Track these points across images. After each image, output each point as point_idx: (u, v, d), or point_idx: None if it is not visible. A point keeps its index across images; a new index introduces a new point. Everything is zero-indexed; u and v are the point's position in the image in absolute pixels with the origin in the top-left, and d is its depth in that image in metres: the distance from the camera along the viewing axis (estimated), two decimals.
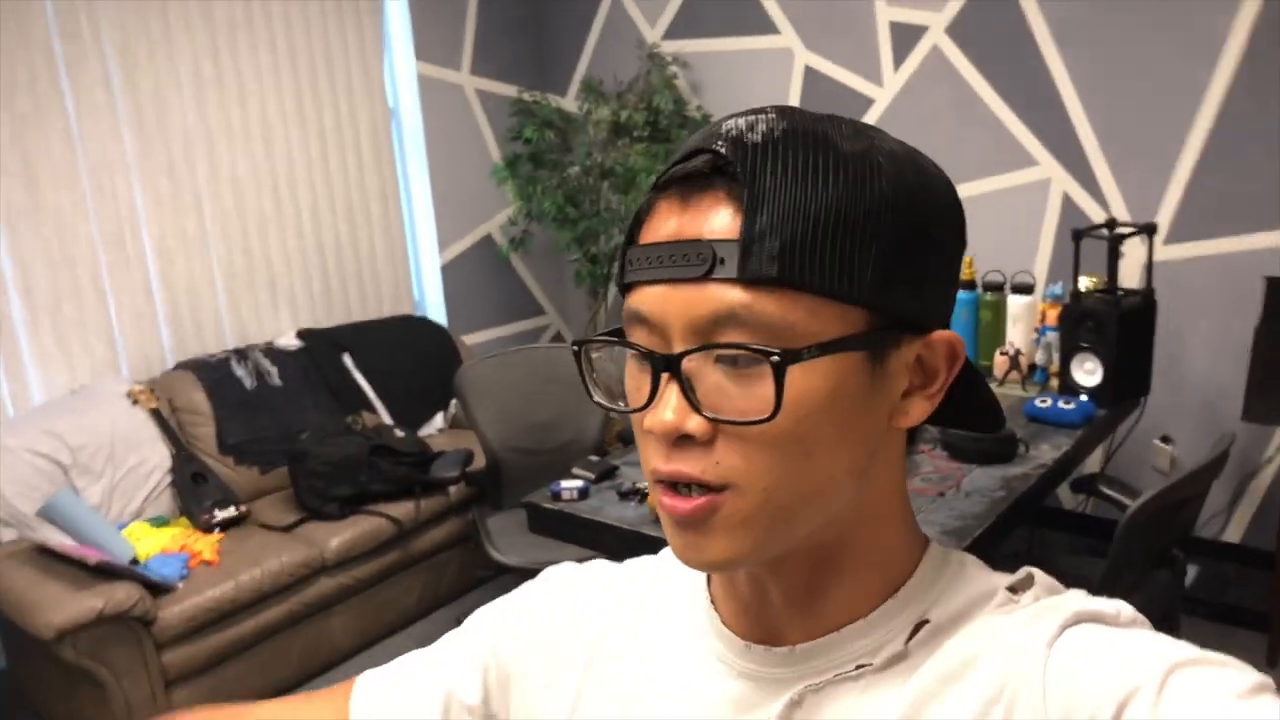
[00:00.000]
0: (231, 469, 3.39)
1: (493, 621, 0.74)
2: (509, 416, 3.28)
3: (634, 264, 0.54)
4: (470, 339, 4.52)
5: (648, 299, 0.53)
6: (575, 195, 4.17)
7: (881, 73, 3.74)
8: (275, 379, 3.59)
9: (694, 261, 0.51)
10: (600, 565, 0.75)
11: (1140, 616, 0.54)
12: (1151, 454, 3.43)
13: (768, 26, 3.96)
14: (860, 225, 0.50)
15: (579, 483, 2.39)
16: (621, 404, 0.57)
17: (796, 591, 0.59)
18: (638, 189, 3.99)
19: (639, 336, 0.54)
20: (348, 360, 3.84)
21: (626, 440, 3.73)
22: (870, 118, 3.79)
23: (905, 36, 3.65)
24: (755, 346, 0.50)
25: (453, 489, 3.44)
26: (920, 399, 0.56)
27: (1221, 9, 3.04)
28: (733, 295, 0.50)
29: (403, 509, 3.32)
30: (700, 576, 0.67)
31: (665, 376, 0.52)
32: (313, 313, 3.98)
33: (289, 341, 3.76)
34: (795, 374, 0.50)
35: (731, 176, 0.51)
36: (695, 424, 0.51)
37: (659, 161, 3.94)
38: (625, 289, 0.56)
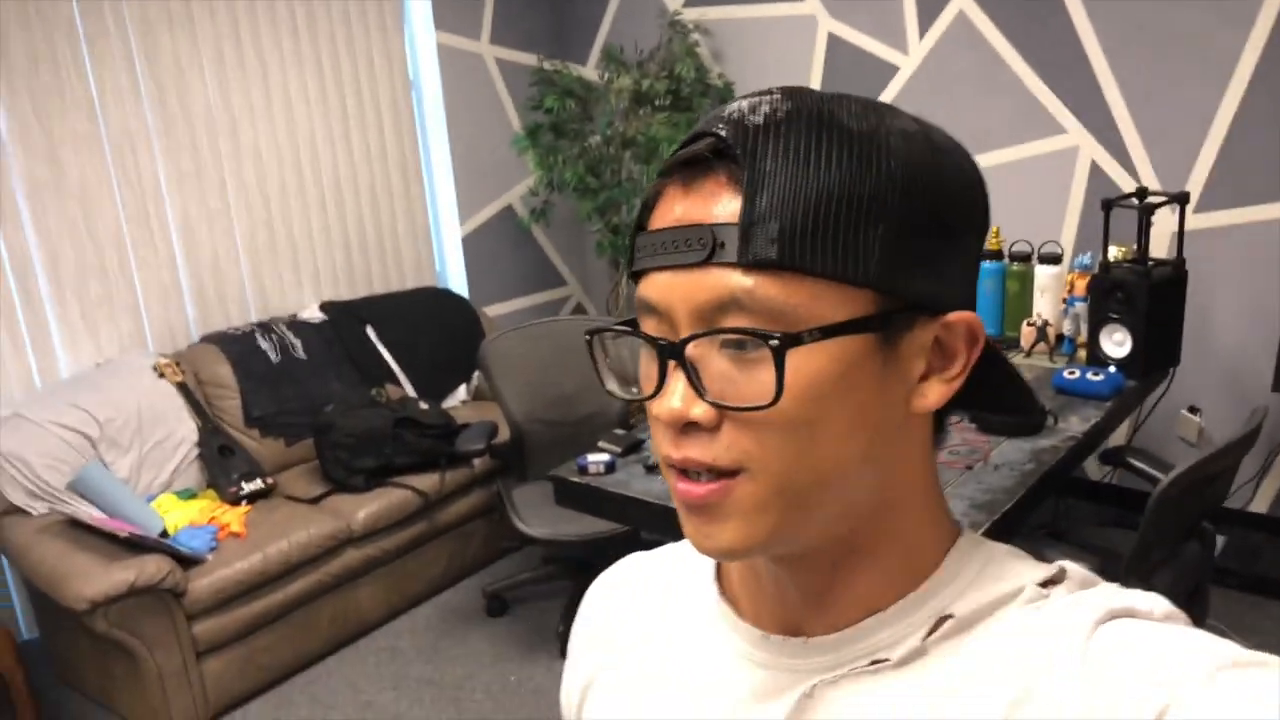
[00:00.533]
0: (257, 441, 3.41)
1: (566, 672, 0.76)
2: (533, 389, 3.29)
3: (641, 251, 0.54)
4: (492, 310, 4.52)
5: (654, 286, 0.53)
6: (596, 165, 4.14)
7: (906, 40, 3.69)
8: (299, 351, 3.60)
9: (695, 247, 0.50)
10: (629, 558, 0.76)
11: (1177, 611, 0.52)
12: (1178, 424, 3.40)
13: None
14: (865, 206, 0.49)
15: (605, 456, 2.40)
16: (635, 390, 0.57)
17: (816, 587, 0.58)
18: (660, 159, 3.96)
19: (649, 324, 0.54)
20: (371, 332, 3.85)
21: None
22: (895, 86, 3.74)
23: (931, 2, 3.59)
24: (755, 330, 0.49)
25: (477, 461, 3.45)
26: (938, 382, 0.55)
27: None
28: (734, 280, 0.49)
29: (428, 481, 3.34)
30: (709, 566, 0.67)
31: (672, 364, 0.52)
32: (335, 285, 3.98)
33: (312, 314, 3.77)
34: (798, 358, 0.49)
35: (732, 159, 0.50)
36: (700, 411, 0.51)
37: (681, 131, 3.91)
38: (635, 276, 0.55)
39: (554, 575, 3.40)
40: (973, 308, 0.56)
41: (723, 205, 0.50)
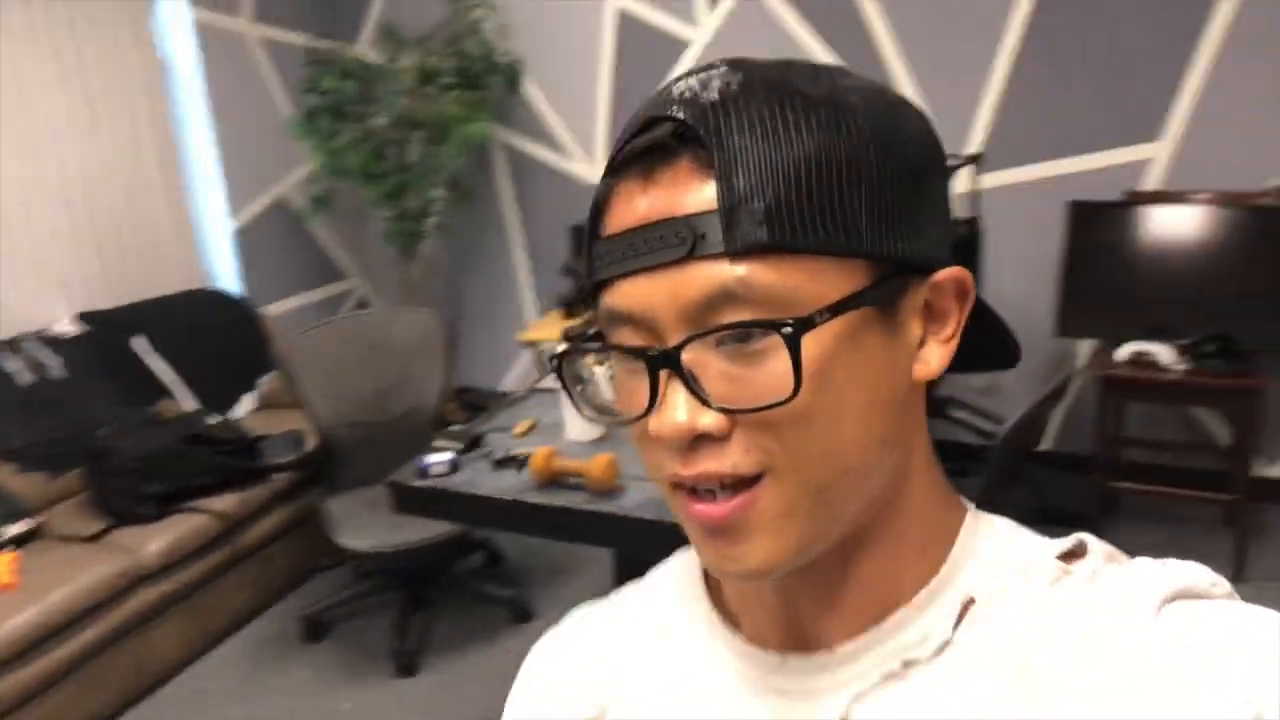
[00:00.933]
0: (15, 477, 2.96)
1: None
2: (342, 390, 3.04)
3: (603, 258, 0.49)
4: (271, 309, 4.17)
5: (629, 294, 0.47)
6: (382, 149, 3.89)
7: (696, 14, 3.69)
8: (56, 371, 3.16)
9: (672, 242, 0.45)
10: (579, 612, 0.67)
11: (1221, 579, 0.49)
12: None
13: None
14: (845, 171, 0.46)
15: (447, 455, 2.23)
16: (615, 413, 0.51)
17: (829, 588, 0.52)
18: (453, 139, 3.77)
19: (625, 336, 0.48)
20: (139, 343, 3.44)
21: (473, 407, 3.55)
22: (687, 59, 3.74)
23: None
24: (762, 321, 0.45)
25: (279, 474, 3.16)
26: (936, 345, 0.51)
27: None
28: (723, 271, 0.45)
29: (226, 502, 3.02)
30: (687, 596, 0.60)
31: (665, 374, 0.46)
32: (92, 293, 3.53)
33: (67, 328, 3.32)
34: (809, 343, 0.45)
35: (697, 142, 0.45)
36: (710, 420, 0.46)
37: (475, 109, 3.74)
38: (598, 289, 0.50)
39: (376, 590, 3.16)
40: (952, 260, 0.51)
41: (694, 193, 0.45)
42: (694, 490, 0.48)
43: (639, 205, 0.47)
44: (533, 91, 4.06)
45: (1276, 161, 2.99)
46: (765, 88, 0.46)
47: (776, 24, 3.56)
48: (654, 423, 0.47)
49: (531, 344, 3.81)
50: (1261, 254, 2.87)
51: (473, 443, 2.33)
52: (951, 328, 0.51)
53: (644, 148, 0.47)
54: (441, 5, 3.93)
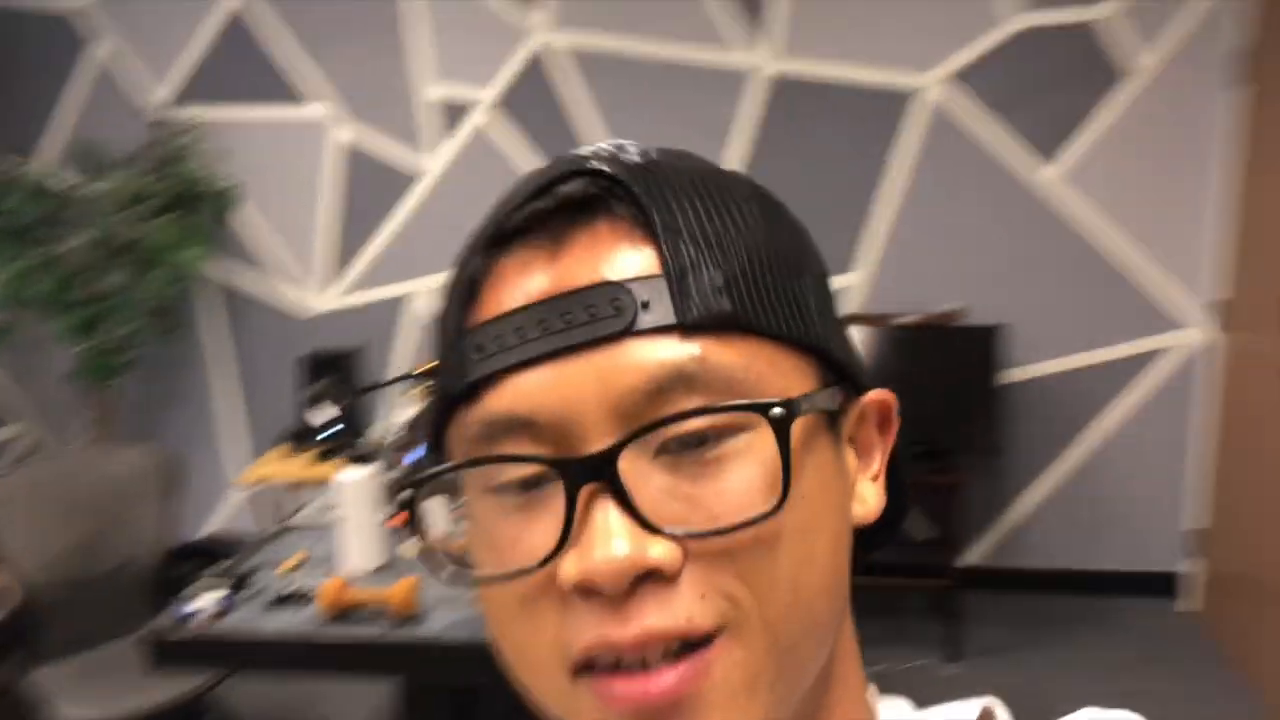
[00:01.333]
0: None
1: None
2: (42, 544, 2.66)
3: (489, 348, 0.37)
4: None
5: (529, 390, 0.36)
6: (74, 276, 3.53)
7: (427, 148, 3.74)
8: None
9: (604, 312, 0.35)
10: None
11: None
12: None
13: (296, 96, 3.75)
14: (786, 254, 0.40)
15: (214, 597, 2.02)
16: (485, 565, 0.38)
17: None
18: (164, 266, 3.51)
19: (518, 449, 0.37)
20: None
21: (199, 554, 3.21)
22: (416, 194, 3.76)
23: (451, 112, 3.69)
24: (745, 404, 0.35)
25: None
26: (867, 483, 0.43)
27: (726, 99, 3.56)
28: (672, 348, 0.35)
29: None
30: None
31: (586, 494, 0.34)
32: None
33: None
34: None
35: (630, 200, 0.37)
36: (661, 550, 0.34)
37: (189, 235, 3.52)
38: (469, 392, 0.37)
39: None
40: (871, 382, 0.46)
41: (624, 257, 0.36)
42: (617, 664, 0.35)
43: (538, 279, 0.37)
44: (250, 218, 3.89)
45: (953, 286, 3.51)
46: (685, 165, 0.41)
47: (507, 158, 3.69)
48: (574, 563, 0.34)
49: (254, 484, 3.54)
50: (948, 364, 3.34)
51: (238, 583, 2.13)
52: (879, 463, 0.44)
53: (550, 209, 0.38)
54: (142, 128, 3.71)
